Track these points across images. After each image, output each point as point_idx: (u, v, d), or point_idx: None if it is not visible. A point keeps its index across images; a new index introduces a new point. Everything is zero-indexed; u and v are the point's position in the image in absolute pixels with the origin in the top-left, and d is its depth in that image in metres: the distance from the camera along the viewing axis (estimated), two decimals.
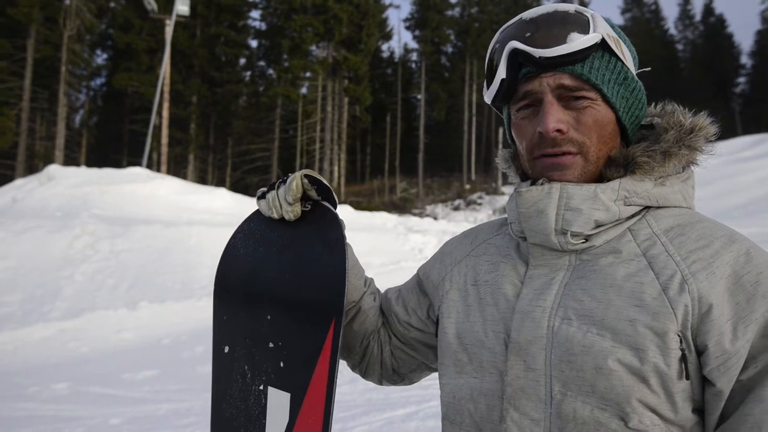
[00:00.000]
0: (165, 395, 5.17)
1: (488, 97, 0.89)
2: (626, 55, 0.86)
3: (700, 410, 0.76)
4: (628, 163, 0.83)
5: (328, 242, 0.98)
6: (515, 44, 0.82)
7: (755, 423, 0.71)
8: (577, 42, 0.80)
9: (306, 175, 1.00)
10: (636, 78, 0.87)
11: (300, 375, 0.97)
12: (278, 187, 1.02)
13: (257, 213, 1.09)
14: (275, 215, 1.03)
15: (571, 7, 0.84)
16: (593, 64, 0.82)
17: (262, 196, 1.05)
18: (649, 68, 0.92)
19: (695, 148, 0.85)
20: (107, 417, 4.64)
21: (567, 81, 0.81)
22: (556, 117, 0.81)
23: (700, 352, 0.74)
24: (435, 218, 20.24)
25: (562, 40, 0.80)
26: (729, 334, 0.73)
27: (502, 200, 29.01)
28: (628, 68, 0.85)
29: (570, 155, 0.82)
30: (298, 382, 0.97)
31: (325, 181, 1.01)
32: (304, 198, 1.02)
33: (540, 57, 0.81)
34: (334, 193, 1.01)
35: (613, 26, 0.87)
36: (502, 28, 0.88)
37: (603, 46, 0.83)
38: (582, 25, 0.82)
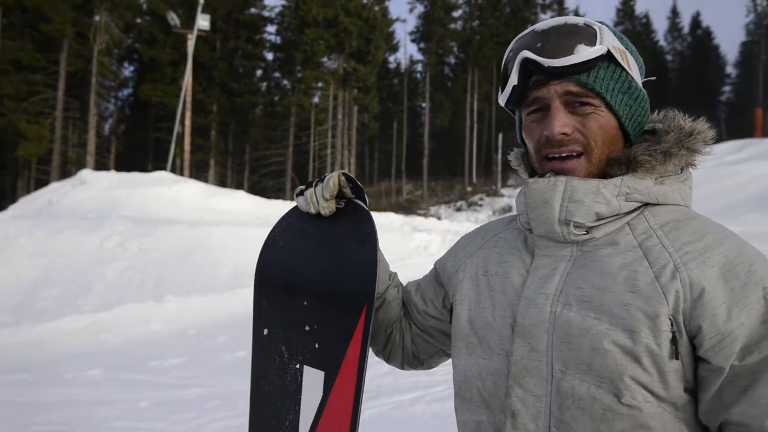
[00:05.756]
0: (190, 381, 5.19)
1: (502, 100, 0.91)
2: (632, 65, 0.87)
3: (692, 390, 0.77)
4: (630, 162, 0.84)
5: (361, 236, 1.00)
6: (527, 54, 0.84)
7: None
8: (583, 53, 0.81)
9: (342, 173, 1.03)
10: (640, 87, 0.87)
11: (333, 355, 0.99)
12: (316, 185, 1.05)
13: (295, 209, 1.11)
14: (312, 210, 1.05)
15: (580, 20, 0.85)
16: (598, 73, 0.83)
17: (301, 193, 1.07)
18: (654, 77, 0.93)
19: (694, 150, 0.86)
20: (137, 401, 4.67)
21: (573, 88, 0.83)
22: (561, 122, 0.82)
23: (695, 334, 0.75)
24: (439, 218, 20.16)
25: (570, 51, 0.82)
26: (723, 315, 0.73)
27: (502, 201, 28.86)
28: (632, 78, 0.86)
29: (574, 158, 0.83)
30: (332, 361, 0.99)
31: (358, 182, 1.03)
32: (339, 196, 1.04)
33: (549, 66, 0.82)
34: (365, 193, 1.04)
35: (621, 38, 0.88)
36: (516, 38, 0.89)
37: (609, 57, 0.84)
38: (589, 37, 0.83)
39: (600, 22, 0.88)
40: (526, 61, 0.84)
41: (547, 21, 0.87)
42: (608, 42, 0.83)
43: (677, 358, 0.75)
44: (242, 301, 7.82)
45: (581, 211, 0.81)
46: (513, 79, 0.86)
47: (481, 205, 29.51)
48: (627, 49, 0.87)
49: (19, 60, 27.19)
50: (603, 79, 0.83)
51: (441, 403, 3.88)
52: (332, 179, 1.02)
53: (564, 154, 0.84)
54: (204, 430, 3.96)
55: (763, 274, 0.75)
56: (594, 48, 0.82)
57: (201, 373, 5.44)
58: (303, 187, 1.08)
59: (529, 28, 0.88)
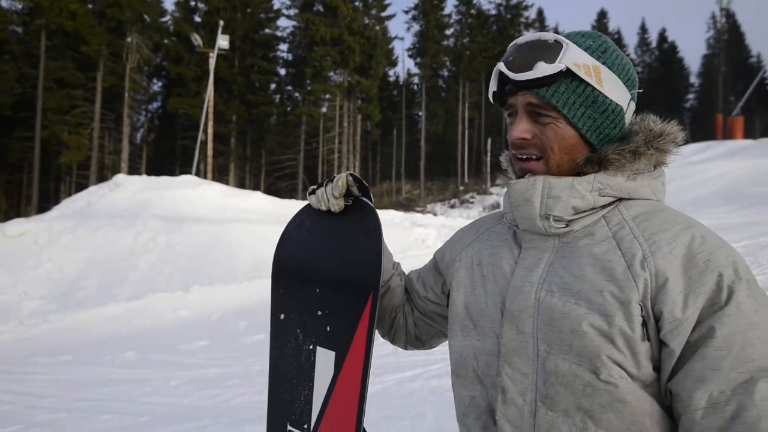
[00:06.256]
0: (214, 361, 5.19)
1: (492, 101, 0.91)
2: (604, 80, 0.82)
3: (658, 369, 0.76)
4: (601, 161, 0.83)
5: (367, 230, 0.99)
6: (500, 66, 0.84)
7: (698, 377, 0.70)
8: (539, 70, 0.79)
9: (350, 174, 1.02)
10: (609, 100, 0.82)
11: (343, 337, 0.98)
12: (326, 185, 1.04)
13: (308, 206, 1.09)
14: (323, 207, 1.04)
15: (552, 37, 0.82)
16: (558, 88, 0.80)
17: (313, 192, 1.06)
18: (641, 90, 0.89)
19: (663, 150, 0.84)
20: (168, 379, 4.69)
21: (533, 100, 0.81)
22: (520, 128, 0.82)
23: (657, 318, 0.73)
24: (435, 214, 20.14)
25: (530, 68, 0.80)
26: (680, 304, 0.72)
27: (491, 199, 28.85)
28: (599, 92, 0.81)
29: (533, 160, 0.83)
30: (342, 342, 0.98)
31: (364, 181, 1.02)
32: (347, 194, 1.03)
33: (513, 79, 0.82)
34: (370, 191, 1.02)
35: (605, 51, 0.83)
36: (506, 48, 0.89)
37: (571, 73, 0.80)
38: (551, 55, 0.80)
39: (590, 34, 0.84)
40: (500, 72, 0.85)
41: (526, 36, 0.86)
42: (570, 60, 0.80)
43: (648, 340, 0.73)
44: (259, 290, 7.82)
45: (559, 205, 0.80)
46: (492, 86, 0.87)
47: (472, 203, 29.49)
48: (605, 64, 0.82)
49: (61, 78, 27.29)
50: (563, 93, 0.80)
51: (438, 380, 3.87)
52: (341, 179, 1.01)
53: (524, 156, 0.84)
54: (227, 405, 3.96)
55: (722, 261, 0.73)
56: (552, 65, 0.79)
57: (223, 354, 5.44)
58: (315, 186, 1.06)
59: (514, 41, 0.87)
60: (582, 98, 0.81)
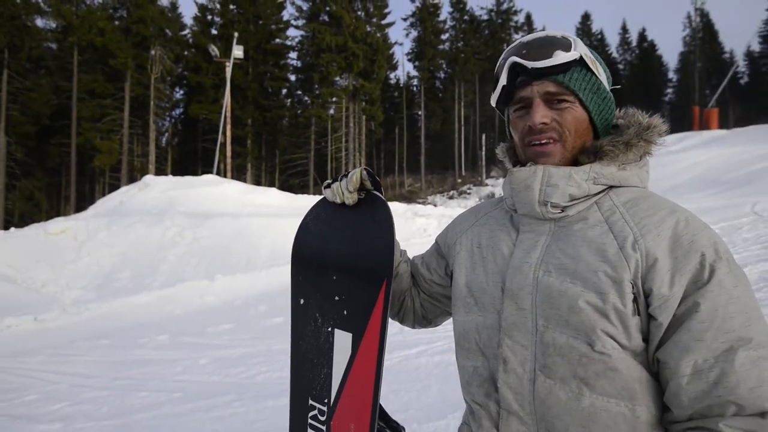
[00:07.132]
0: (238, 342, 5.22)
1: (493, 101, 0.89)
2: (600, 72, 0.85)
3: (646, 340, 0.76)
4: (597, 152, 0.83)
5: (379, 222, 0.98)
6: (514, 59, 0.82)
7: (684, 347, 0.71)
8: (560, 57, 0.80)
9: (364, 169, 1.01)
10: (607, 89, 0.86)
11: (360, 320, 0.97)
12: (341, 179, 1.02)
13: (323, 200, 1.08)
14: (338, 201, 1.03)
15: (559, 33, 0.84)
16: (573, 75, 0.82)
17: (328, 186, 1.05)
18: (618, 86, 0.91)
19: (650, 141, 0.85)
20: (197, 359, 4.73)
21: (551, 88, 0.81)
22: (541, 113, 0.81)
23: (647, 295, 0.74)
24: (435, 205, 20.05)
25: (549, 56, 0.80)
26: (668, 282, 0.72)
27: (486, 189, 28.67)
28: (600, 81, 0.84)
29: (552, 143, 0.82)
30: (358, 325, 0.97)
31: (376, 176, 1.01)
32: (360, 188, 1.02)
33: (532, 68, 0.81)
34: (381, 186, 1.01)
35: (592, 51, 0.86)
36: (506, 50, 0.88)
37: (582, 62, 0.82)
38: (565, 45, 0.82)
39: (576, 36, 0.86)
40: (513, 65, 0.83)
41: (531, 34, 0.86)
42: (581, 50, 0.82)
43: (638, 315, 0.74)
44: (277, 277, 7.84)
45: (557, 193, 0.80)
46: (503, 80, 0.85)
47: (469, 193, 29.34)
48: (597, 60, 0.85)
49: (93, 89, 27.37)
50: (577, 80, 0.82)
51: (441, 356, 3.87)
52: (356, 174, 1.00)
53: (543, 141, 0.82)
54: (251, 381, 3.98)
55: (704, 243, 0.73)
56: (569, 53, 0.81)
57: (246, 336, 5.47)
58: (330, 181, 1.05)
59: (517, 41, 0.87)
60: (590, 85, 0.82)
